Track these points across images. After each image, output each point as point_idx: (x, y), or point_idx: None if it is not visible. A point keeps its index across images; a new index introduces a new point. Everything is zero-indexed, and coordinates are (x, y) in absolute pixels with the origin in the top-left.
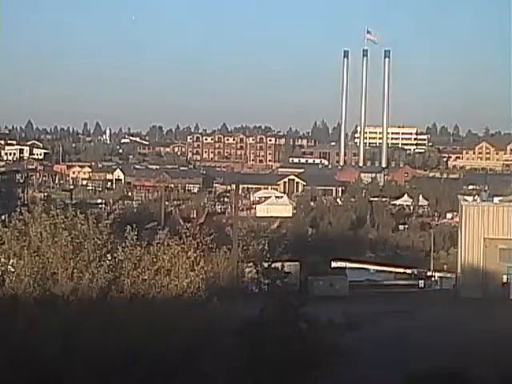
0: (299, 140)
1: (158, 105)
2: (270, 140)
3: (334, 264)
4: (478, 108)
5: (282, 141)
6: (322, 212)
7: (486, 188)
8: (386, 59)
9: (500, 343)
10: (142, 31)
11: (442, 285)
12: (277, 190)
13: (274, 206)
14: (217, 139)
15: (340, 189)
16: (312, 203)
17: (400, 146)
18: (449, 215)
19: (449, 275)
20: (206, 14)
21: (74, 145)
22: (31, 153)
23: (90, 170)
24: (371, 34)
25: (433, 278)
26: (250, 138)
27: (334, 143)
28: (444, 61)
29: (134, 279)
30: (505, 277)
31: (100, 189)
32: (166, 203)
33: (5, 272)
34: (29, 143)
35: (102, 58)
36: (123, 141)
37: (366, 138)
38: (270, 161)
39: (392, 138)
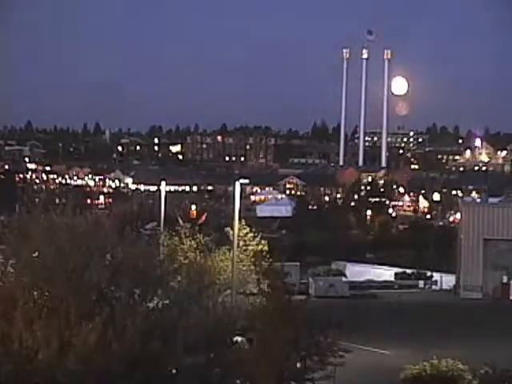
0: (299, 140)
1: (158, 105)
2: (270, 140)
3: (334, 264)
4: (477, 108)
5: (282, 141)
6: (322, 212)
7: (486, 188)
8: (386, 59)
9: None
10: (141, 30)
11: (441, 285)
12: (277, 190)
13: (274, 206)
14: (217, 139)
15: (340, 189)
16: (312, 203)
17: (400, 146)
18: (449, 215)
19: (449, 276)
20: (204, 14)
21: (73, 145)
22: (31, 153)
23: (89, 170)
24: (372, 35)
25: (433, 279)
26: (250, 138)
27: (333, 143)
28: (445, 60)
29: (133, 279)
30: (505, 277)
31: (100, 188)
32: (166, 203)
33: (4, 272)
34: (28, 143)
35: (102, 57)
36: (123, 141)
37: (365, 137)
38: (269, 161)
39: (392, 138)
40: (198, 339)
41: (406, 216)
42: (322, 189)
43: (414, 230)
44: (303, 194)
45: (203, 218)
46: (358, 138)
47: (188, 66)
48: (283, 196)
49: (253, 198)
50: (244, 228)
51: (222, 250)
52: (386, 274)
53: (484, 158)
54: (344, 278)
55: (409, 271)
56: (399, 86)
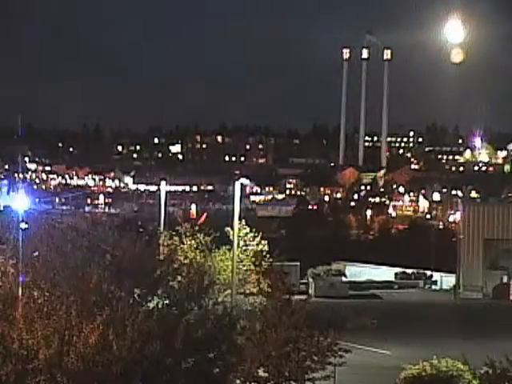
0: (299, 140)
1: (158, 105)
2: (270, 140)
3: (334, 264)
4: (477, 108)
5: (282, 141)
6: (322, 212)
7: (485, 188)
8: (386, 60)
9: None
10: (141, 30)
11: (441, 285)
12: (277, 190)
13: (274, 206)
14: (216, 139)
15: (340, 189)
16: (312, 203)
17: (400, 146)
18: (449, 215)
19: (449, 276)
20: (204, 14)
21: (73, 145)
22: (31, 153)
23: (89, 170)
24: (372, 35)
25: (433, 279)
26: (250, 138)
27: (333, 143)
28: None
29: (134, 279)
30: (505, 277)
31: (100, 188)
32: (167, 203)
33: (4, 273)
34: (28, 143)
35: (102, 57)
36: (123, 141)
37: (365, 137)
38: (269, 161)
39: (392, 138)
40: (198, 339)
41: (406, 216)
42: (322, 189)
43: (413, 230)
44: (303, 193)
45: (203, 217)
46: (358, 137)
47: (188, 65)
48: (283, 196)
49: (253, 198)
50: (244, 228)
51: (222, 250)
52: (386, 273)
53: (484, 157)
54: (344, 278)
55: (409, 271)
56: (455, 31)
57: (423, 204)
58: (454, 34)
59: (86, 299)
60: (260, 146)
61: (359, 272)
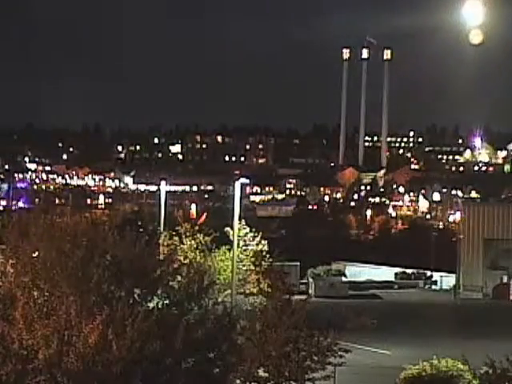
0: (299, 140)
1: (158, 105)
2: (270, 140)
3: (334, 264)
4: (477, 108)
5: (282, 141)
6: (322, 212)
7: (485, 188)
8: (386, 60)
9: None
10: (141, 31)
11: (441, 285)
12: (277, 190)
13: (274, 206)
14: (216, 139)
15: (340, 189)
16: (312, 203)
17: (400, 146)
18: (449, 215)
19: (449, 276)
20: (205, 14)
21: (73, 145)
22: (31, 153)
23: (89, 170)
24: (371, 36)
25: (432, 279)
26: (250, 138)
27: (333, 143)
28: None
29: (133, 279)
30: (505, 277)
31: (100, 188)
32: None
33: (4, 272)
34: (28, 143)
35: (102, 57)
36: (123, 141)
37: (365, 137)
38: (269, 161)
39: (391, 138)
40: (198, 339)
41: (406, 216)
42: (322, 189)
43: (413, 230)
44: (303, 193)
45: (203, 217)
46: (358, 137)
47: (188, 65)
48: (283, 196)
49: (253, 197)
50: (244, 228)
51: (222, 250)
52: (386, 273)
53: (484, 157)
54: (344, 278)
55: (409, 271)
56: (473, 13)
57: (423, 204)
58: (472, 15)
59: (86, 299)
60: (260, 146)
61: (359, 272)
